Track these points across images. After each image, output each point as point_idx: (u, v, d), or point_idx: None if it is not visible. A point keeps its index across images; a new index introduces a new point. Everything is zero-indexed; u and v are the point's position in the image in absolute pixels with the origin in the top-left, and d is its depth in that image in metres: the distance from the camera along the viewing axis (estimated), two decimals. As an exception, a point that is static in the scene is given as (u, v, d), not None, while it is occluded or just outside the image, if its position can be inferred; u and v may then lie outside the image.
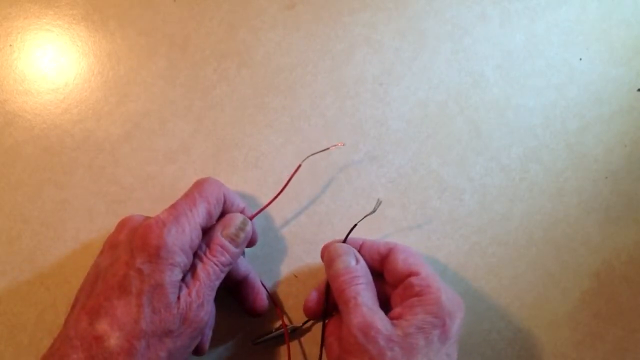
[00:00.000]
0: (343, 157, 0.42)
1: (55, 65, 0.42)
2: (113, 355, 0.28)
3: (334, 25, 0.44)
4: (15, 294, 0.39)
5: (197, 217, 0.32)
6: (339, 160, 0.42)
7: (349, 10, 0.44)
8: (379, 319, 0.31)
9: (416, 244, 0.41)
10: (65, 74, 0.42)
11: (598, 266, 0.42)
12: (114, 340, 0.28)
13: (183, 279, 0.32)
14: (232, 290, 0.39)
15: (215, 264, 0.33)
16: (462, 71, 0.44)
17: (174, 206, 0.33)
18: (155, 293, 0.29)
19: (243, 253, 0.40)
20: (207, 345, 0.36)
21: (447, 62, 0.44)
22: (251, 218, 0.36)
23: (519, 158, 0.43)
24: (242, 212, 0.36)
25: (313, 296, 0.38)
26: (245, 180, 0.42)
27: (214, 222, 0.35)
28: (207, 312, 0.32)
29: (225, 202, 0.35)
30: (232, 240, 0.34)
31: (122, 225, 0.34)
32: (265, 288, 0.40)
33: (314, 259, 0.41)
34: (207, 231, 0.34)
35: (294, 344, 0.40)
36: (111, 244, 0.33)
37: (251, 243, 0.38)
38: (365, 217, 0.37)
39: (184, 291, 0.31)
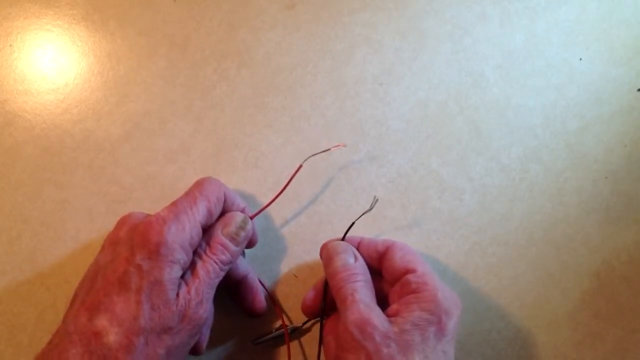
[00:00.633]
0: (343, 157, 0.42)
1: (55, 65, 0.42)
2: (112, 351, 0.28)
3: (334, 25, 0.44)
4: (15, 294, 0.39)
5: (198, 215, 0.32)
6: (339, 160, 0.42)
7: (349, 10, 0.44)
8: (376, 316, 0.31)
9: (416, 244, 0.41)
10: (65, 74, 0.42)
11: (598, 266, 0.42)
12: (112, 336, 0.28)
13: (183, 277, 0.32)
14: (231, 291, 0.39)
15: (215, 262, 0.33)
16: (462, 71, 0.44)
17: (174, 204, 0.33)
18: (154, 290, 0.30)
19: (243, 253, 0.40)
20: (204, 344, 0.36)
21: (447, 62, 0.44)
22: (251, 218, 0.36)
23: (519, 158, 0.43)
24: (242, 211, 0.36)
25: (311, 295, 0.38)
26: (245, 180, 0.42)
27: (214, 221, 0.35)
28: (206, 309, 0.32)
29: (225, 202, 0.35)
30: (233, 238, 0.34)
31: (122, 222, 0.34)
32: (265, 288, 0.40)
33: (314, 259, 0.41)
34: (207, 230, 0.34)
35: (294, 344, 0.40)
36: (111, 241, 0.33)
37: (251, 244, 0.38)
38: (362, 214, 0.37)
39: (184, 288, 0.31)
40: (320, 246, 0.38)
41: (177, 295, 0.30)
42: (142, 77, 0.42)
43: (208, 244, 0.33)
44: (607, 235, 0.42)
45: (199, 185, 0.34)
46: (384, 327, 0.30)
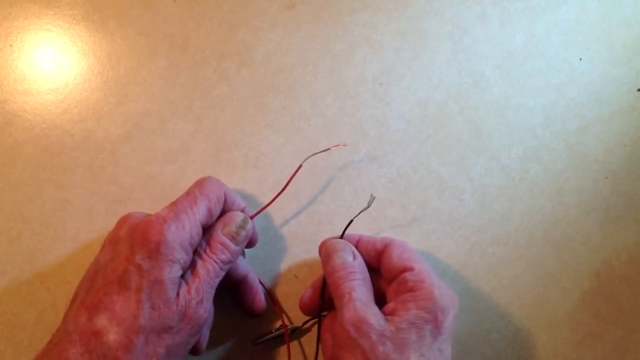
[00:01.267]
0: (343, 157, 0.42)
1: (55, 65, 0.42)
2: (111, 350, 0.28)
3: (334, 25, 0.44)
4: (15, 294, 0.39)
5: (198, 214, 0.32)
6: (339, 160, 0.42)
7: (349, 10, 0.44)
8: (372, 314, 0.31)
9: (416, 244, 0.41)
10: (65, 74, 0.42)
11: (598, 266, 0.42)
12: (112, 335, 0.28)
13: (183, 276, 0.32)
14: (231, 291, 0.39)
15: (215, 262, 0.33)
16: (462, 71, 0.44)
17: (174, 203, 0.33)
18: (154, 289, 0.30)
19: (243, 253, 0.40)
20: (204, 344, 0.36)
21: (447, 62, 0.44)
22: (251, 218, 0.36)
23: (519, 158, 0.43)
24: (242, 211, 0.36)
25: (308, 292, 0.38)
26: (245, 180, 0.42)
27: (214, 221, 0.35)
28: (206, 309, 0.32)
29: (225, 201, 0.35)
30: (233, 238, 0.34)
31: (122, 221, 0.34)
32: (265, 288, 0.40)
33: (314, 259, 0.41)
34: (208, 229, 0.34)
35: (294, 344, 0.40)
36: (111, 240, 0.33)
37: (251, 243, 0.38)
38: (360, 212, 0.37)
39: (184, 288, 0.31)
40: (319, 244, 0.38)
41: (178, 294, 0.30)
42: (142, 77, 0.42)
43: (208, 243, 0.33)
44: (607, 235, 0.42)
45: (199, 184, 0.34)
46: (380, 326, 0.30)
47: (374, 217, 0.42)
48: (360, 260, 0.35)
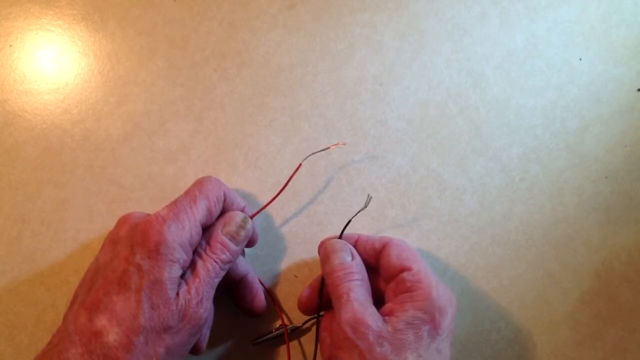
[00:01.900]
0: (343, 157, 0.42)
1: (55, 65, 0.42)
2: (111, 351, 0.28)
3: (334, 25, 0.44)
4: (15, 294, 0.39)
5: (197, 214, 0.32)
6: (339, 160, 0.42)
7: (349, 10, 0.44)
8: (370, 315, 0.31)
9: (416, 244, 0.41)
10: (65, 74, 0.42)
11: (598, 266, 0.42)
12: (112, 335, 0.28)
13: (183, 276, 0.32)
14: (231, 290, 0.39)
15: (215, 262, 0.33)
16: (462, 71, 0.44)
17: (174, 203, 0.33)
18: (154, 289, 0.30)
19: (243, 253, 0.40)
20: (204, 344, 0.36)
21: (447, 62, 0.44)
22: (251, 217, 0.36)
23: (519, 158, 0.43)
24: (242, 210, 0.36)
25: (307, 292, 0.38)
26: (245, 180, 0.42)
27: (214, 220, 0.35)
28: (206, 309, 0.32)
29: (225, 201, 0.35)
30: (233, 237, 0.34)
31: (122, 221, 0.34)
32: (265, 288, 0.40)
33: (314, 259, 0.41)
34: (208, 229, 0.34)
35: (294, 344, 0.40)
36: (111, 240, 0.33)
37: (251, 243, 0.38)
38: (357, 213, 0.37)
39: (183, 288, 0.31)
40: (318, 244, 0.38)
41: (177, 294, 0.30)
42: (142, 77, 0.42)
43: (208, 243, 0.33)
44: (607, 235, 0.42)
45: (199, 184, 0.34)
46: (377, 327, 0.30)
47: (374, 217, 0.42)
48: (358, 260, 0.35)
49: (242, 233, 0.34)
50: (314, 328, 0.40)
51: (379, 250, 0.36)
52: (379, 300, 0.34)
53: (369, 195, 0.38)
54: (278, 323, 0.40)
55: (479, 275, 0.42)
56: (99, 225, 0.40)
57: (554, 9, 0.45)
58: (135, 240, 0.31)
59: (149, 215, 0.33)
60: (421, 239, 0.42)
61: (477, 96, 0.43)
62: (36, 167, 0.41)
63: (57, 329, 0.31)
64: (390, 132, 0.43)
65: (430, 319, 0.31)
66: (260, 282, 0.40)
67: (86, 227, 0.40)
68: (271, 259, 0.41)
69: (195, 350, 0.35)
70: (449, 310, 0.32)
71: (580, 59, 0.44)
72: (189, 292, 0.31)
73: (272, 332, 0.39)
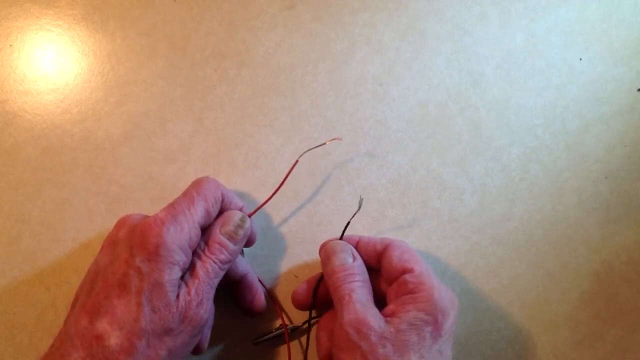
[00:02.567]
0: (343, 157, 0.42)
1: (55, 65, 0.42)
2: (113, 354, 0.28)
3: (334, 25, 0.44)
4: (15, 294, 0.39)
5: (196, 215, 0.32)
6: (339, 161, 0.42)
7: (349, 10, 0.44)
8: (372, 316, 0.31)
9: (416, 244, 0.42)
10: (65, 74, 0.42)
11: (598, 266, 0.42)
12: (114, 339, 0.28)
13: (182, 278, 0.32)
14: (231, 290, 0.39)
15: (214, 262, 0.33)
16: (462, 71, 0.44)
17: (172, 205, 0.33)
18: (154, 292, 0.30)
19: (242, 253, 0.40)
20: (205, 344, 0.36)
21: (447, 62, 0.44)
22: (249, 216, 0.36)
23: (519, 158, 0.43)
24: (240, 210, 0.36)
25: (303, 287, 0.38)
26: (245, 180, 0.42)
27: (212, 220, 0.35)
28: (206, 310, 0.32)
29: (223, 201, 0.35)
30: (231, 237, 0.34)
31: (121, 223, 0.34)
32: (265, 287, 0.40)
33: (314, 259, 0.41)
34: (206, 229, 0.34)
35: (294, 344, 0.40)
36: (110, 242, 0.33)
37: (250, 242, 0.38)
38: (353, 216, 0.37)
39: (183, 290, 0.31)
40: (320, 246, 0.38)
41: (178, 296, 0.30)
42: (142, 77, 0.42)
43: (207, 243, 0.33)
44: (607, 235, 0.42)
45: (197, 185, 0.34)
46: (380, 328, 0.30)
47: (374, 217, 0.42)
48: (360, 261, 0.35)
49: (241, 232, 0.34)
50: (313, 328, 0.40)
51: (380, 251, 0.36)
52: (380, 301, 0.34)
53: (360, 197, 0.38)
54: (278, 323, 0.40)
55: (479, 275, 0.42)
56: (99, 225, 0.40)
57: (554, 9, 0.45)
58: (134, 242, 0.31)
59: (147, 217, 0.33)
60: (421, 239, 0.42)
61: (477, 96, 0.43)
62: (36, 167, 0.41)
63: (59, 332, 0.31)
64: (390, 132, 0.43)
65: (433, 320, 0.31)
66: (261, 282, 0.40)
67: (86, 227, 0.40)
68: (271, 259, 0.41)
69: (196, 350, 0.35)
70: (451, 311, 0.32)
71: (580, 59, 0.44)
72: (188, 293, 0.31)
73: (272, 332, 0.39)
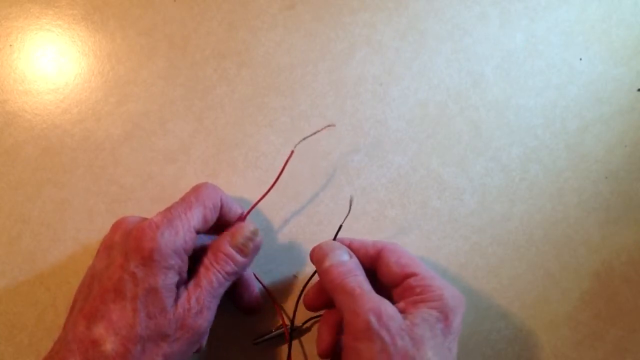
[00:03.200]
0: (343, 157, 0.42)
1: (55, 65, 0.42)
2: (108, 359, 0.28)
3: (334, 25, 0.44)
4: (15, 294, 0.39)
5: (192, 220, 0.32)
6: (339, 160, 0.42)
7: (349, 10, 0.44)
8: (390, 306, 0.31)
9: (416, 244, 0.42)
10: (65, 74, 0.42)
11: (598, 266, 0.42)
12: (109, 344, 0.28)
13: (186, 285, 0.32)
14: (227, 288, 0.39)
15: (219, 272, 0.32)
16: (462, 71, 0.44)
17: (169, 209, 0.33)
18: (149, 297, 0.30)
19: None
20: (204, 342, 0.36)
21: (447, 62, 0.44)
22: (246, 214, 0.36)
23: (519, 158, 0.43)
24: (240, 217, 0.36)
25: (312, 291, 0.37)
26: (245, 180, 0.42)
27: (209, 226, 0.34)
28: (206, 319, 0.32)
29: (222, 208, 0.35)
30: (240, 250, 0.34)
31: (116, 226, 0.34)
32: (264, 286, 0.40)
33: (314, 259, 0.41)
34: (216, 239, 0.34)
35: (294, 343, 0.40)
36: (106, 246, 0.33)
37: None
38: (345, 219, 0.37)
39: (184, 297, 0.31)
40: (310, 250, 0.37)
41: (176, 302, 0.30)
42: (142, 77, 0.42)
43: (214, 253, 0.33)
44: (607, 235, 0.42)
45: (195, 190, 0.34)
46: (399, 318, 0.30)
47: (374, 217, 0.42)
48: (355, 259, 0.35)
49: (250, 245, 0.34)
50: (314, 328, 0.40)
51: (373, 255, 0.35)
52: None
53: (350, 197, 0.38)
54: (278, 323, 0.40)
55: (479, 275, 0.42)
56: (99, 225, 0.40)
57: (554, 9, 0.45)
58: (129, 247, 0.31)
59: (142, 221, 0.32)
60: (421, 239, 0.42)
61: (477, 96, 0.43)
62: (36, 167, 0.41)
63: (58, 336, 0.31)
64: (390, 132, 0.43)
65: (444, 317, 0.31)
66: (260, 282, 0.40)
67: (86, 227, 0.40)
68: (271, 259, 0.41)
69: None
70: (460, 310, 0.32)
71: (580, 59, 0.44)
72: (188, 301, 0.31)
73: (272, 331, 0.39)
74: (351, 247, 0.37)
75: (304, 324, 0.39)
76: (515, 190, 0.42)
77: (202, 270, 0.32)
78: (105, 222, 0.40)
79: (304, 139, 0.38)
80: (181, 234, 0.31)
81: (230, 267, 0.33)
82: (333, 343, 0.36)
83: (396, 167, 0.42)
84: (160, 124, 0.42)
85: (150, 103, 0.42)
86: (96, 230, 0.40)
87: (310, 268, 0.41)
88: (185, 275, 0.32)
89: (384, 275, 0.35)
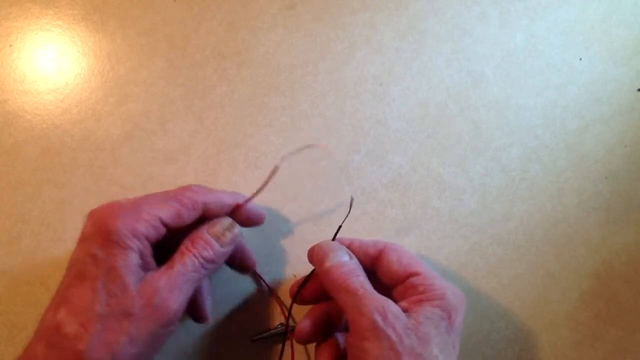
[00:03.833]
0: (343, 157, 0.42)
1: (55, 65, 0.42)
2: (69, 341, 0.28)
3: (334, 25, 0.44)
4: (15, 294, 0.39)
5: (161, 211, 0.32)
6: (339, 160, 0.42)
7: (349, 10, 0.44)
8: (394, 305, 0.31)
9: (416, 244, 0.41)
10: (65, 74, 0.42)
11: (598, 266, 0.42)
12: (70, 326, 0.29)
13: (158, 268, 0.32)
14: None
15: (195, 256, 0.32)
16: (462, 71, 0.44)
17: (145, 195, 0.33)
18: (109, 276, 0.29)
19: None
20: (207, 311, 0.37)
21: (447, 62, 0.44)
22: (231, 215, 0.36)
23: (519, 158, 0.43)
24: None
25: (306, 324, 0.37)
26: (245, 180, 0.42)
27: (185, 225, 0.34)
28: (177, 300, 0.31)
29: (208, 210, 0.34)
30: (218, 238, 0.34)
31: (90, 216, 0.33)
32: (266, 284, 0.40)
33: (314, 259, 0.41)
34: (193, 230, 0.34)
35: (291, 343, 0.40)
36: (80, 239, 0.33)
37: (255, 222, 0.38)
38: (345, 219, 0.37)
39: (153, 276, 0.31)
40: (309, 249, 0.37)
41: (143, 281, 0.30)
42: (142, 77, 0.42)
43: (191, 240, 0.33)
44: (607, 235, 0.42)
45: (181, 187, 0.34)
46: (403, 317, 0.31)
47: (374, 217, 0.42)
48: (355, 260, 0.35)
49: (228, 235, 0.34)
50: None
51: (374, 255, 0.35)
52: None
53: (351, 197, 0.38)
54: (277, 321, 0.40)
55: (479, 275, 0.42)
56: (99, 225, 0.40)
57: (554, 9, 0.45)
58: (93, 229, 0.31)
59: (109, 202, 0.32)
60: (421, 239, 0.42)
61: (477, 96, 0.43)
62: (36, 167, 0.41)
63: None
64: (390, 132, 0.43)
65: (448, 316, 0.31)
66: (263, 280, 0.40)
67: (86, 227, 0.40)
68: (271, 259, 0.41)
69: (199, 318, 0.36)
70: (462, 308, 0.33)
71: (580, 59, 0.44)
72: (157, 280, 0.31)
73: (270, 329, 0.39)
74: (351, 247, 0.37)
75: (283, 324, 0.39)
76: (515, 190, 0.42)
77: (177, 254, 0.32)
78: (105, 222, 0.40)
79: (289, 154, 0.38)
80: (142, 220, 0.31)
81: (207, 253, 0.33)
82: (312, 331, 0.36)
83: (396, 167, 0.42)
84: (160, 124, 0.42)
85: (150, 103, 0.42)
86: (96, 230, 0.40)
87: (309, 268, 0.41)
88: (150, 259, 0.32)
89: (385, 275, 0.35)
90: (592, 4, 0.45)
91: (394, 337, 0.29)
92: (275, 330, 0.39)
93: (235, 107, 0.42)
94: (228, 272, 0.40)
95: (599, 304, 0.42)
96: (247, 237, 0.40)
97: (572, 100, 0.44)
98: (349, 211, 0.37)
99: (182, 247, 0.33)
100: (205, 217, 0.35)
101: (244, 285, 0.41)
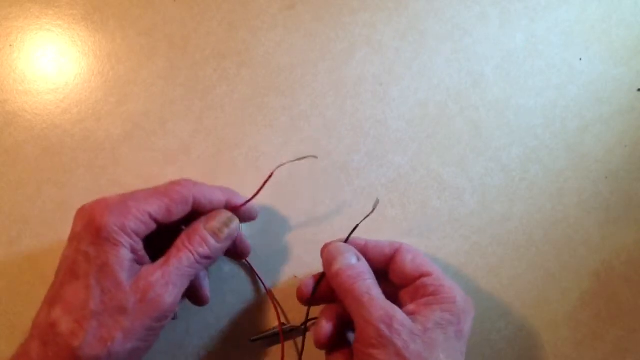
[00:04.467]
0: (343, 157, 0.42)
1: (55, 65, 0.42)
2: (64, 338, 0.28)
3: (334, 25, 0.44)
4: (15, 294, 0.39)
5: (149, 206, 0.32)
6: (339, 161, 0.42)
7: (349, 10, 0.44)
8: (399, 313, 0.31)
9: (416, 244, 0.41)
10: (65, 74, 0.42)
11: (598, 266, 0.42)
12: (64, 324, 0.29)
13: (152, 263, 0.32)
14: None
15: (191, 252, 0.32)
16: (462, 71, 0.44)
17: (134, 192, 0.33)
18: (102, 273, 0.30)
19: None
20: (206, 294, 0.37)
21: (447, 62, 0.44)
22: (234, 207, 0.36)
23: (519, 158, 0.43)
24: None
25: (309, 282, 0.37)
26: (245, 180, 0.42)
27: (174, 220, 0.34)
28: (171, 294, 0.31)
29: (200, 205, 0.34)
30: (215, 234, 0.34)
31: (78, 213, 0.33)
32: (264, 284, 0.40)
33: (314, 259, 0.41)
34: (191, 225, 0.34)
35: (290, 344, 0.40)
36: (71, 237, 0.33)
37: (249, 219, 0.38)
38: (365, 217, 0.37)
39: (147, 271, 0.31)
40: (320, 246, 0.38)
41: (137, 277, 0.30)
42: (142, 77, 0.42)
43: (188, 235, 0.33)
44: (607, 235, 0.42)
45: (171, 182, 0.34)
46: (410, 324, 0.31)
47: (373, 217, 0.41)
48: (364, 262, 0.35)
49: (226, 230, 0.34)
50: (312, 328, 0.40)
51: (389, 255, 0.36)
52: None
53: (377, 199, 0.37)
54: (276, 322, 0.40)
55: (479, 275, 0.42)
56: (99, 225, 0.40)
57: (554, 9, 0.44)
58: (82, 226, 0.31)
59: (98, 199, 0.32)
60: (421, 239, 0.42)
61: (477, 96, 0.43)
62: (36, 167, 0.41)
63: None
64: (390, 132, 0.43)
65: (457, 321, 0.31)
66: (261, 280, 0.40)
67: (86, 227, 0.40)
68: (271, 259, 0.41)
69: (198, 301, 0.36)
70: (471, 313, 0.33)
71: (580, 59, 0.44)
72: (151, 275, 0.31)
73: (269, 330, 0.39)
74: (366, 248, 0.37)
75: (302, 324, 0.39)
76: (515, 190, 0.42)
77: (173, 250, 0.32)
78: (105, 222, 0.40)
79: (283, 164, 0.37)
80: (131, 216, 0.31)
81: (203, 250, 0.33)
82: (333, 335, 0.36)
83: (396, 167, 0.42)
84: (160, 124, 0.42)
85: (150, 103, 0.42)
86: (96, 230, 0.40)
87: (309, 269, 0.41)
88: (142, 254, 0.32)
89: (396, 275, 0.35)
90: (592, 4, 0.45)
91: (400, 344, 0.30)
92: (273, 330, 0.39)
93: (235, 107, 0.42)
94: (227, 271, 0.40)
95: (599, 304, 0.42)
96: (247, 237, 0.40)
97: (572, 100, 0.44)
98: (372, 211, 0.37)
99: (178, 242, 0.33)
100: (196, 212, 0.35)
101: (244, 285, 0.41)
